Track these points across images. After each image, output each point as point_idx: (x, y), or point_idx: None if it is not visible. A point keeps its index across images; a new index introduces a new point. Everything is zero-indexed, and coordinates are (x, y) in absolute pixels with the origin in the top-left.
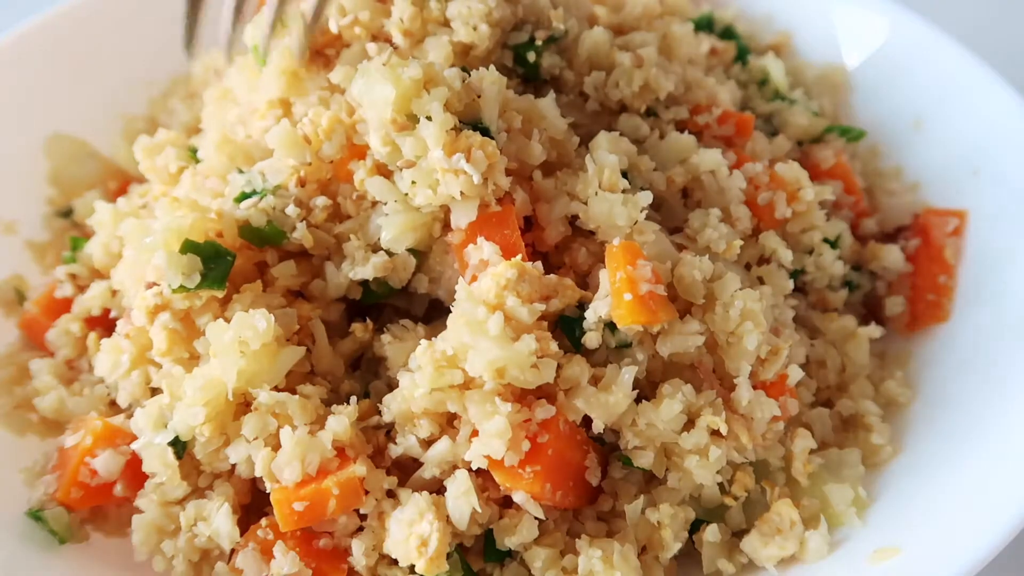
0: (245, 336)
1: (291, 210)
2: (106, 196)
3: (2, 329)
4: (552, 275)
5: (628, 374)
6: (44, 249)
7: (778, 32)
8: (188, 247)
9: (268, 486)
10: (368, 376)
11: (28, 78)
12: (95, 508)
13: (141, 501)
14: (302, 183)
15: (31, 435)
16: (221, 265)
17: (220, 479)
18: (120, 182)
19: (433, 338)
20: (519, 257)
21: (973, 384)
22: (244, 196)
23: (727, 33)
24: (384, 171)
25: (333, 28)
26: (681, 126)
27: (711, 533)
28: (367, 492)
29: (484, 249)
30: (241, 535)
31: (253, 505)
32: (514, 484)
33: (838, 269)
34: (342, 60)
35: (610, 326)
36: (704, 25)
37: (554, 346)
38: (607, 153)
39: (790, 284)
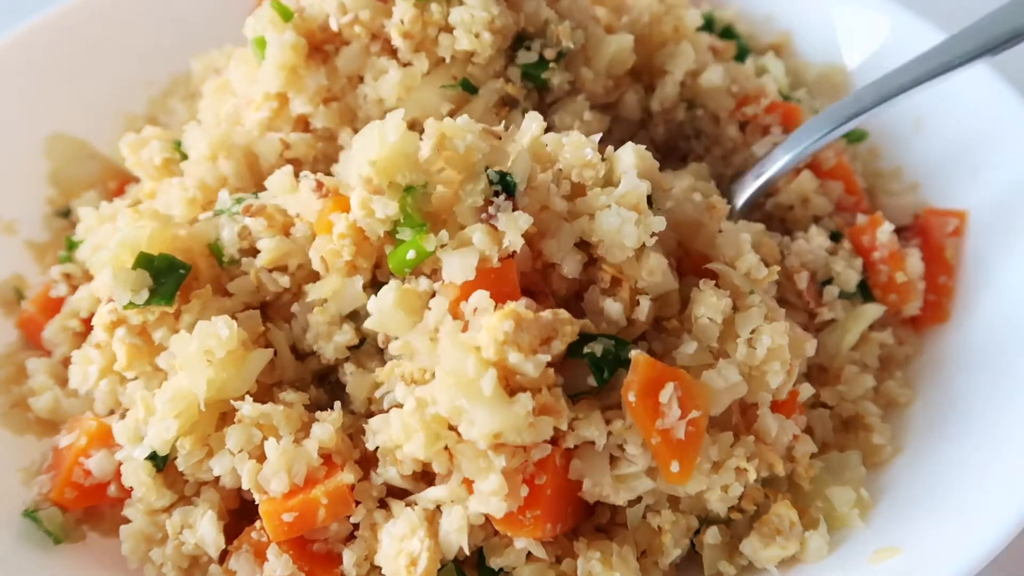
0: (209, 345)
1: (227, 233)
2: (105, 196)
3: (2, 329)
4: (546, 311)
5: (644, 486)
6: (44, 249)
7: (778, 32)
8: (141, 261)
9: (256, 497)
10: (333, 398)
11: (28, 78)
12: (90, 508)
13: (129, 510)
14: (249, 211)
15: (29, 435)
16: (172, 279)
17: (207, 485)
18: (120, 182)
19: (418, 389)
20: (510, 304)
21: (973, 384)
22: (219, 212)
23: (727, 33)
24: (360, 235)
25: (333, 26)
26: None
27: (712, 535)
28: (358, 502)
29: (474, 297)
30: (232, 539)
31: (247, 508)
32: (516, 532)
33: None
34: (341, 58)
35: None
36: (704, 25)
37: (559, 396)
38: (639, 179)
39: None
